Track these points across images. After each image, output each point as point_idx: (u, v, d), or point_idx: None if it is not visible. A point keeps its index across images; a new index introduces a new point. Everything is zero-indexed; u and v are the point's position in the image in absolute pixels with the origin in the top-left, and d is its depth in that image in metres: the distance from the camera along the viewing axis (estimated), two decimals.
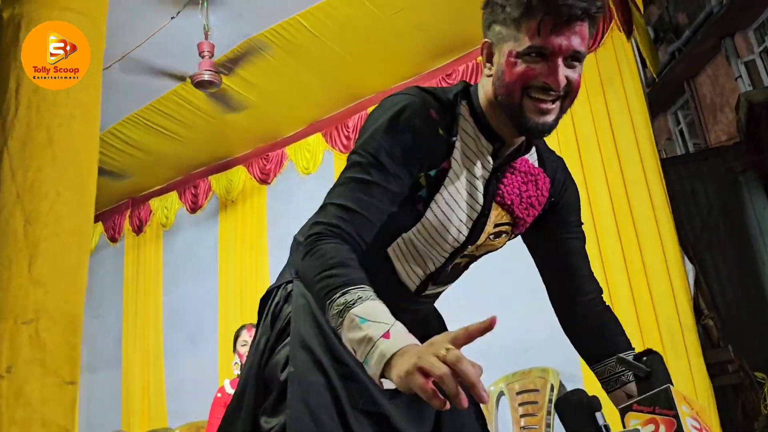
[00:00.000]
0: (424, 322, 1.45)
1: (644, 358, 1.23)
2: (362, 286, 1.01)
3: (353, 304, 0.97)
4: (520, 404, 3.23)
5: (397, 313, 1.07)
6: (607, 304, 1.39)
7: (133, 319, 5.33)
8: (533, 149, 1.29)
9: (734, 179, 4.53)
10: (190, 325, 4.99)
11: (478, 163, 1.21)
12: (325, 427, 1.19)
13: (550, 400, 3.12)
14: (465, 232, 1.24)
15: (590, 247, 3.11)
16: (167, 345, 5.11)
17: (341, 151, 4.40)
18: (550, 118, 1.11)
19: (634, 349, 1.32)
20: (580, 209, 1.41)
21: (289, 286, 1.35)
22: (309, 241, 1.10)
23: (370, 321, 0.95)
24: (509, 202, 1.25)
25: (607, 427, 0.93)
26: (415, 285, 1.32)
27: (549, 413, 3.10)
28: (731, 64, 7.82)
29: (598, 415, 0.96)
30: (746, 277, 4.21)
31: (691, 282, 3.01)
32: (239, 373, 3.53)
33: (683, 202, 4.50)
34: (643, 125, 3.19)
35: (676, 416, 0.92)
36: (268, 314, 1.36)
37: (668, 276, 2.95)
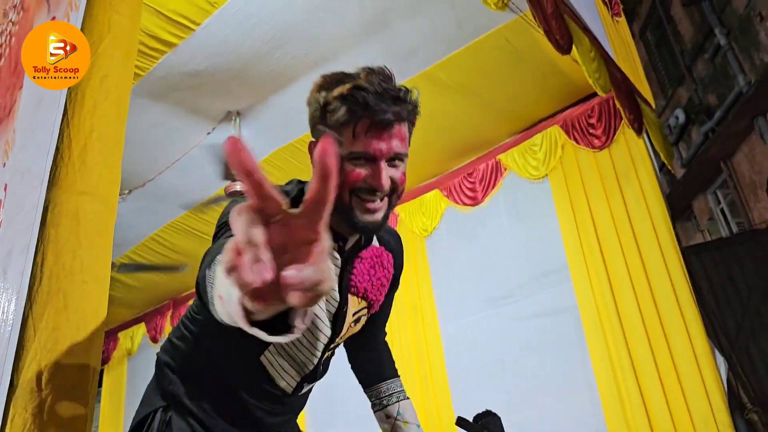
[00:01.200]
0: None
1: (483, 420, 1.32)
2: None
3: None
4: None
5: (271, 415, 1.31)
6: (385, 344, 1.60)
7: None
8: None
9: None
10: None
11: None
12: None
13: None
14: (329, 327, 1.29)
15: (618, 345, 3.10)
16: None
17: None
18: (378, 216, 1.16)
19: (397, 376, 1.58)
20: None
21: (168, 414, 1.32)
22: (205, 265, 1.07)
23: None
24: (363, 291, 1.31)
25: None
26: (291, 387, 1.35)
27: None
28: (766, 142, 7.78)
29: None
30: None
31: (724, 376, 2.92)
32: None
33: (721, 288, 4.40)
34: (662, 218, 3.22)
35: None
36: None
37: (699, 372, 2.89)
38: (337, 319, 1.29)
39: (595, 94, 3.59)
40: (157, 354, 1.40)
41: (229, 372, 1.29)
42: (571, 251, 3.51)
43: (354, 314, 1.33)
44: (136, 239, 4.85)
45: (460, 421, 1.32)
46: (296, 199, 1.19)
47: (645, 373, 3.04)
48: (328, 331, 1.29)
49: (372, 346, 1.58)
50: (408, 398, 1.58)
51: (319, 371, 1.37)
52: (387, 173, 1.14)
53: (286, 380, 1.34)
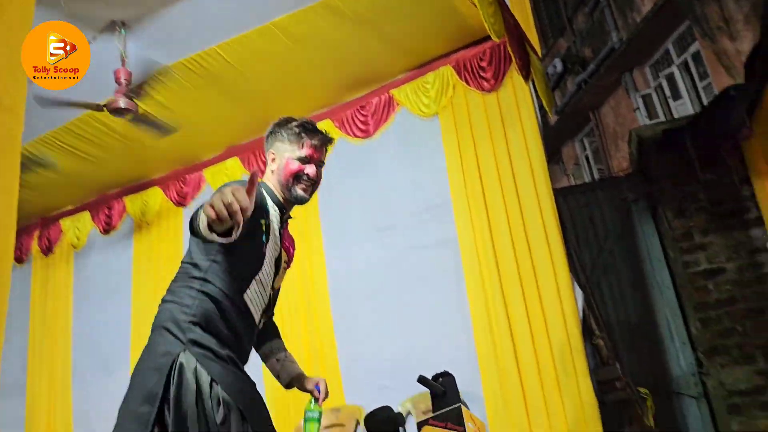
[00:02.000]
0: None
1: (440, 379, 1.49)
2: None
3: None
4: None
5: (244, 353, 1.89)
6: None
7: (40, 344, 5.15)
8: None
9: (627, 208, 4.89)
10: (100, 350, 4.88)
11: (276, 224, 1.94)
12: None
13: None
14: (273, 267, 1.95)
15: (491, 277, 3.34)
16: (76, 371, 4.97)
17: (260, 177, 4.47)
18: (307, 194, 1.98)
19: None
20: None
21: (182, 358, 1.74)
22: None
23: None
24: (286, 247, 2.02)
25: None
26: (258, 317, 1.93)
27: None
28: (630, 97, 8.41)
29: (401, 430, 1.10)
30: (636, 299, 4.55)
31: (580, 306, 3.26)
32: None
33: (582, 228, 4.83)
34: (539, 161, 3.45)
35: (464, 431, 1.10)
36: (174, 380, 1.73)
37: (560, 302, 3.20)
38: (279, 262, 1.96)
39: (487, 38, 3.70)
40: (168, 307, 1.83)
41: (228, 312, 1.81)
42: (455, 188, 3.69)
43: (284, 261, 2.01)
44: None
45: (422, 379, 1.51)
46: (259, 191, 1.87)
47: (514, 302, 3.32)
48: (272, 270, 1.93)
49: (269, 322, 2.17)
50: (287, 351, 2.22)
51: (270, 307, 1.99)
52: (315, 170, 1.98)
53: (256, 315, 1.91)
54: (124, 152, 4.57)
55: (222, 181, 4.75)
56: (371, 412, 1.25)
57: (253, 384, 1.84)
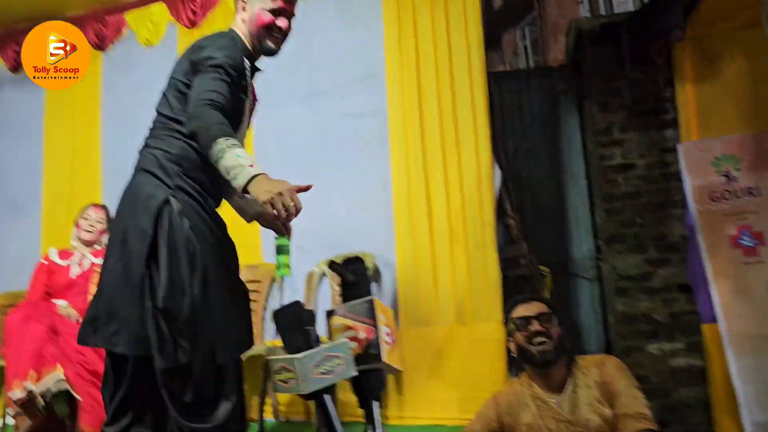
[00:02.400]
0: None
1: (351, 267, 1.54)
2: (235, 138, 1.75)
3: (234, 146, 1.70)
4: (339, 284, 3.54)
5: (218, 197, 2.04)
6: None
7: None
8: None
9: (556, 98, 4.99)
10: (10, 190, 4.72)
11: (248, 73, 2.01)
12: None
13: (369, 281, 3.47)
14: (248, 119, 2.10)
15: (416, 147, 3.40)
16: None
17: (186, 27, 4.23)
18: (278, 46, 2.05)
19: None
20: None
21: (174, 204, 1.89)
22: (196, 107, 1.80)
23: (243, 157, 1.70)
24: (253, 94, 2.12)
25: (317, 338, 1.06)
26: None
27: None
28: None
29: (310, 330, 1.09)
30: (551, 187, 4.77)
31: (497, 186, 3.40)
32: (75, 244, 3.49)
33: (510, 114, 4.92)
34: (476, 42, 3.43)
35: (375, 325, 1.10)
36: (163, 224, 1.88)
37: (479, 179, 3.32)
38: (251, 114, 2.13)
39: None
40: (153, 152, 1.95)
41: (210, 164, 1.81)
42: (390, 59, 3.63)
43: (251, 111, 2.14)
44: None
45: (332, 265, 1.54)
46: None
47: (434, 176, 3.42)
48: (247, 122, 2.11)
49: None
50: None
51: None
52: (285, 22, 2.03)
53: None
54: None
55: (146, 29, 4.47)
56: (280, 308, 1.31)
57: (231, 241, 2.02)
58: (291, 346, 1.01)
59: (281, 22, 1.98)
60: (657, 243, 4.24)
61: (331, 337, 1.30)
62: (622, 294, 4.25)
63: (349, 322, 1.11)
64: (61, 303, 3.33)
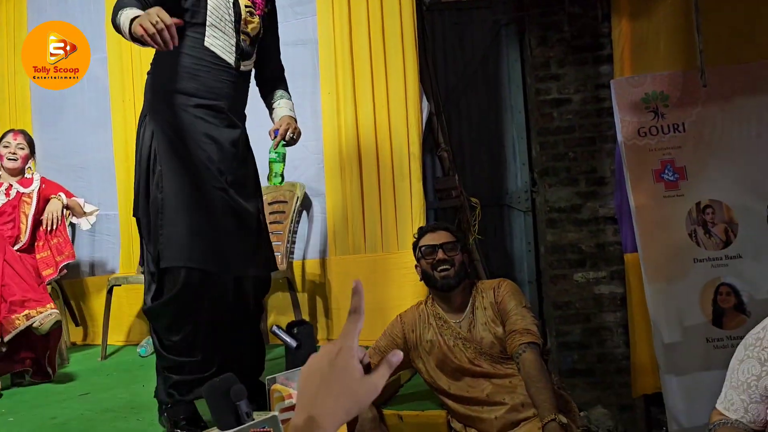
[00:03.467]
0: (244, 136, 2.31)
1: (295, 330, 1.47)
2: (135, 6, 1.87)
3: (126, 7, 1.86)
4: (270, 213, 3.60)
5: (225, 98, 2.15)
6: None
7: None
8: None
9: (497, 31, 4.98)
10: None
11: None
12: (187, 206, 2.07)
13: (294, 210, 3.53)
14: (232, 10, 2.12)
15: (345, 78, 3.40)
16: None
17: None
18: None
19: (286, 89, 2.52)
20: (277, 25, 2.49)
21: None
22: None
23: (129, 10, 1.84)
24: None
25: (249, 413, 1.01)
26: (232, 59, 2.14)
27: (292, 221, 3.52)
28: None
29: (241, 404, 1.03)
30: (489, 120, 4.82)
31: (425, 118, 3.43)
32: (0, 173, 3.44)
33: (451, 47, 4.91)
34: None
35: None
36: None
37: (406, 111, 3.35)
38: (236, 4, 2.14)
39: None
40: (148, 74, 2.18)
41: (197, 59, 2.08)
42: None
43: (246, 7, 2.17)
44: None
45: (275, 332, 1.40)
46: None
47: (363, 105, 3.43)
48: (231, 12, 2.12)
49: (267, 69, 2.44)
50: (290, 99, 2.47)
51: (245, 50, 2.19)
52: None
53: (227, 56, 2.13)
54: None
55: None
56: (211, 382, 1.16)
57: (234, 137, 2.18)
58: (221, 423, 0.93)
59: None
60: (587, 176, 4.38)
61: (270, 406, 1.22)
62: (553, 225, 4.41)
63: (289, 391, 1.05)
64: None
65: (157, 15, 1.69)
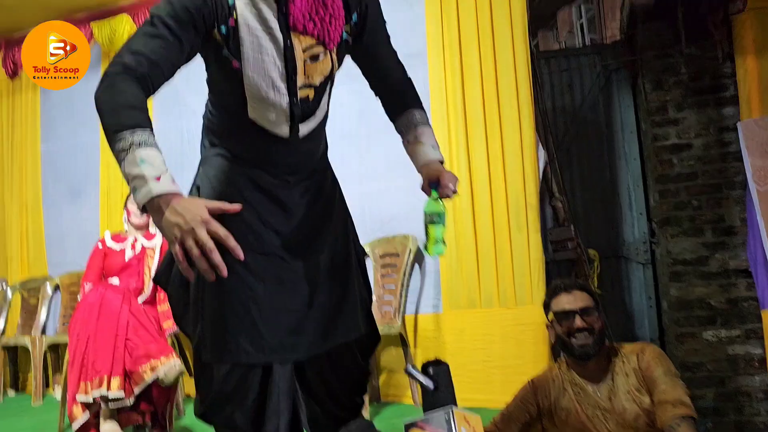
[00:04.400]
0: (317, 185, 1.76)
1: (431, 369, 1.36)
2: (148, 129, 1.26)
3: (139, 145, 1.22)
4: (382, 266, 3.55)
5: (286, 171, 1.62)
6: (410, 81, 1.89)
7: (9, 168, 5.17)
8: None
9: (608, 77, 4.83)
10: (70, 176, 4.92)
11: (264, 7, 1.46)
12: (231, 284, 1.50)
13: (407, 263, 3.46)
14: (281, 65, 1.51)
15: (458, 129, 3.36)
16: (46, 195, 5.02)
17: None
18: None
19: (422, 108, 1.88)
20: (384, 24, 1.75)
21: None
22: (107, 75, 1.32)
23: (148, 163, 1.22)
24: (302, 28, 1.50)
25: None
26: (287, 130, 1.59)
27: (405, 274, 3.46)
28: None
29: None
30: (603, 168, 4.63)
31: (542, 166, 3.32)
32: (127, 228, 3.61)
33: (560, 93, 4.79)
34: (520, 17, 3.34)
35: None
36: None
37: (522, 160, 3.25)
38: (288, 56, 1.50)
39: None
40: (203, 116, 1.72)
41: (243, 129, 1.59)
42: (431, 38, 3.58)
43: (305, 50, 1.52)
44: None
45: (409, 373, 1.36)
46: None
47: (477, 156, 3.37)
48: (281, 69, 1.51)
49: (387, 83, 1.84)
50: (428, 125, 1.82)
51: (299, 109, 1.58)
52: None
53: (277, 126, 1.58)
54: None
55: None
56: (347, 428, 1.10)
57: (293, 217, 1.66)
58: None
59: None
60: (714, 226, 4.07)
61: None
62: (677, 279, 4.10)
63: None
64: (113, 281, 3.46)
65: (205, 230, 1.15)
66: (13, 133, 5.20)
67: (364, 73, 1.81)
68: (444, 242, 1.68)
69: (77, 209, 4.86)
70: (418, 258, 3.57)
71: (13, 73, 5.24)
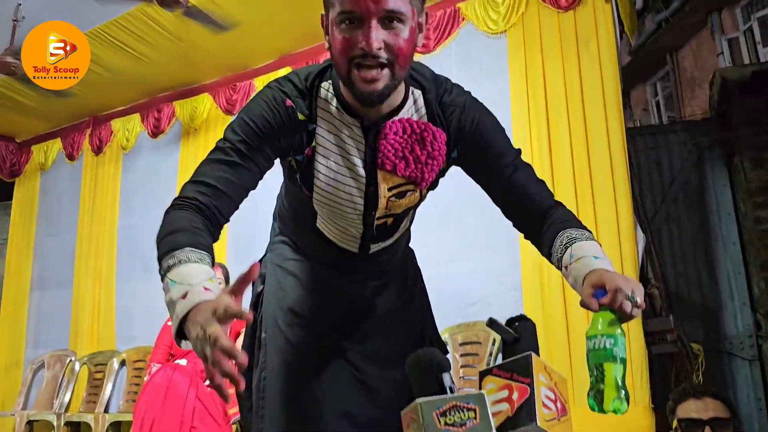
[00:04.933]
0: (395, 277, 1.58)
1: (516, 324, 1.20)
2: (187, 248, 1.09)
3: (170, 268, 1.07)
4: (461, 355, 3.30)
5: (355, 273, 1.46)
6: (564, 207, 1.40)
7: (87, 240, 5.28)
8: (412, 107, 1.29)
9: (699, 154, 4.55)
10: (144, 250, 4.94)
11: (349, 139, 1.27)
12: (292, 386, 1.39)
13: (491, 353, 3.20)
14: (360, 202, 1.33)
15: None
16: (120, 268, 5.09)
17: None
18: (379, 85, 1.13)
19: (584, 227, 1.31)
20: (502, 139, 1.38)
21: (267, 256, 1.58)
22: (169, 207, 1.21)
23: (177, 283, 1.04)
24: (390, 168, 1.27)
25: (452, 388, 0.89)
26: (356, 248, 1.45)
27: (488, 366, 3.19)
28: (715, 40, 7.79)
29: (445, 375, 0.91)
30: (699, 252, 4.29)
31: (641, 251, 3.05)
32: None
33: (647, 172, 4.53)
34: (614, 91, 3.18)
35: (531, 384, 0.87)
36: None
37: (619, 243, 3.00)
38: (369, 194, 1.32)
39: None
40: (277, 197, 1.60)
41: (310, 233, 1.45)
42: (516, 113, 3.46)
43: (390, 189, 1.31)
44: None
45: (492, 323, 1.23)
46: (305, 92, 1.26)
47: None
48: (359, 207, 1.33)
49: (523, 211, 1.40)
50: (589, 239, 1.27)
51: (372, 234, 1.41)
52: (378, 35, 1.09)
53: (345, 243, 1.44)
54: (174, 53, 4.48)
55: None
56: (415, 354, 1.00)
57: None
58: (421, 394, 0.84)
59: (365, 37, 1.09)
60: None
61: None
62: None
63: (503, 382, 0.89)
64: (181, 363, 3.35)
65: (223, 352, 0.93)
66: (93, 206, 5.34)
67: (490, 196, 1.45)
68: (626, 389, 1.04)
69: (149, 285, 4.83)
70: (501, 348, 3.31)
71: (98, 149, 5.44)
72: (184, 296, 1.01)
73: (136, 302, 4.87)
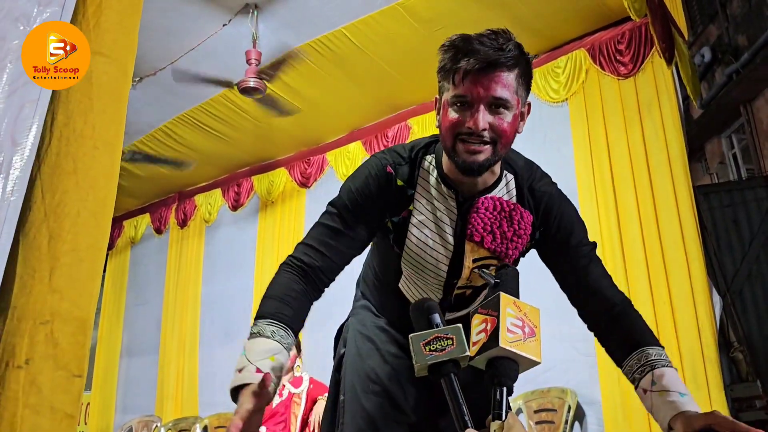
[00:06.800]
0: None
1: (501, 271, 1.31)
2: (267, 320, 1.23)
3: (250, 335, 1.21)
4: (537, 422, 3.24)
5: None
6: (632, 307, 1.41)
7: (173, 309, 5.54)
8: (504, 187, 1.39)
9: None
10: (225, 318, 5.17)
11: (443, 208, 1.38)
12: None
13: (566, 421, 3.13)
14: (444, 269, 1.41)
15: (617, 274, 3.12)
16: (203, 336, 5.30)
17: None
18: (480, 157, 1.24)
19: (660, 345, 1.30)
20: (581, 231, 1.44)
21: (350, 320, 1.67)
22: (280, 266, 1.34)
23: (243, 354, 1.18)
24: (478, 240, 1.35)
25: (438, 324, 1.07)
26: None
27: None
28: None
29: (433, 316, 1.09)
30: None
31: (718, 314, 2.96)
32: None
33: (725, 230, 4.39)
34: (679, 154, 3.17)
35: (498, 317, 1.06)
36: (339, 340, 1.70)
37: (694, 308, 2.93)
38: (454, 263, 1.39)
39: (626, 20, 3.46)
40: (357, 281, 1.73)
41: (391, 294, 1.53)
42: (582, 179, 3.48)
43: (475, 261, 1.38)
44: (145, 129, 4.79)
45: (479, 270, 1.36)
46: (408, 161, 1.39)
47: (640, 304, 3.07)
48: (442, 273, 1.41)
49: (594, 308, 1.41)
50: (671, 366, 1.27)
51: (449, 304, 1.49)
52: (485, 117, 1.21)
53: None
54: (253, 132, 4.78)
55: (344, 165, 4.84)
56: (416, 302, 1.12)
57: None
58: (418, 330, 1.06)
59: (472, 119, 1.20)
60: None
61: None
62: None
63: (482, 317, 1.06)
64: (261, 430, 3.44)
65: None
66: (178, 276, 5.64)
67: (567, 294, 1.47)
68: None
69: (230, 351, 5.04)
70: (579, 415, 3.23)
71: (183, 222, 5.79)
72: (240, 370, 1.15)
73: (219, 368, 5.05)
